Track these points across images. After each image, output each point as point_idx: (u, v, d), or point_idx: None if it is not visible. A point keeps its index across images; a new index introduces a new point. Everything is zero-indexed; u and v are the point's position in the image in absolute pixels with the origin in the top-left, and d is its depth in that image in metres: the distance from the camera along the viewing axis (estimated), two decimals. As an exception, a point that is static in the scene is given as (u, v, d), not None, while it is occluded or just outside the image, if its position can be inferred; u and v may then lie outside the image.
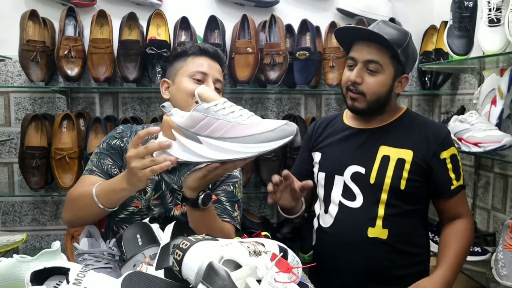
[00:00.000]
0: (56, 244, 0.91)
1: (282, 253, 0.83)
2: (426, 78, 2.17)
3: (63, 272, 0.79)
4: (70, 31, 1.85)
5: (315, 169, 1.46)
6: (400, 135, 1.36)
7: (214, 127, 0.91)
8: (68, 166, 1.80)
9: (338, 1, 2.11)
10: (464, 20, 1.70)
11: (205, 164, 0.95)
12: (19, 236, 1.75)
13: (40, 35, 1.79)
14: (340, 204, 1.36)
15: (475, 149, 1.56)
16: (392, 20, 2.06)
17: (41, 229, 2.06)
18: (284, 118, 2.11)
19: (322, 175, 1.42)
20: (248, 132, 0.89)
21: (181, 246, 0.71)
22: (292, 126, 0.89)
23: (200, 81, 1.28)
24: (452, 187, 1.34)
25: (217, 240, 0.76)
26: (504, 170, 1.82)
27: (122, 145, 1.30)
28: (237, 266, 0.72)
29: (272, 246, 0.84)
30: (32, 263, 0.89)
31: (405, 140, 1.35)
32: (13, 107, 2.00)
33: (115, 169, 1.27)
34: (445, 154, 1.33)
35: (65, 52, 1.75)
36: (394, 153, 1.33)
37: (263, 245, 0.82)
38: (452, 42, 1.71)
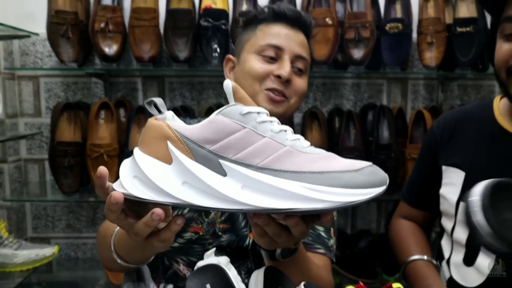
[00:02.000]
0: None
1: None
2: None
3: None
4: (107, -1, 1.52)
5: (447, 192, 0.99)
6: None
7: (257, 147, 0.51)
8: (106, 166, 1.46)
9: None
10: None
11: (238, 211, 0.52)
12: (49, 249, 1.46)
13: (72, 5, 1.46)
14: None
15: None
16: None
17: (77, 237, 1.77)
18: (364, 108, 1.70)
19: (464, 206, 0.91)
20: (319, 167, 0.50)
21: None
22: (381, 171, 0.52)
23: (273, 59, 0.92)
24: None
25: None
26: None
27: None
28: None
29: None
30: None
31: None
32: (43, 94, 1.70)
33: None
34: None
35: (102, 25, 1.41)
36: None
37: None
38: None
